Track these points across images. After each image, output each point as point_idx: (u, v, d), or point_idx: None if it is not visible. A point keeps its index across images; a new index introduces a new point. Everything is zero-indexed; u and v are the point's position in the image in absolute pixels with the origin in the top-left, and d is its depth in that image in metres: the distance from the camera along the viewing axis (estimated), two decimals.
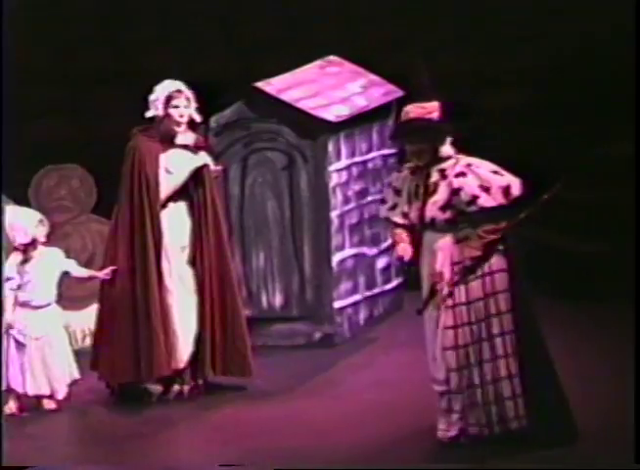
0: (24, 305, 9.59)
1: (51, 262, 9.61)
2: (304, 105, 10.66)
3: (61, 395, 9.54)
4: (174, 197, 9.54)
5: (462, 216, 8.08)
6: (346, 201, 10.94)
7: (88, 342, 10.41)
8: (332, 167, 10.76)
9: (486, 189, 8.07)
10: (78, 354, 10.02)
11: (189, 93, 9.60)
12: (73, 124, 11.28)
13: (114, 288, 9.59)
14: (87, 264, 10.48)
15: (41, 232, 9.55)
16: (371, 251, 11.23)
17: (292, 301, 10.84)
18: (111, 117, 10.21)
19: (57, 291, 9.65)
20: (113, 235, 9.68)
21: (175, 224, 9.48)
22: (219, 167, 9.90)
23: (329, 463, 8.19)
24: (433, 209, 8.10)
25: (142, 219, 9.48)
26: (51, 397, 9.56)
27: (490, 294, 8.19)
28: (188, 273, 9.56)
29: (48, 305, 9.59)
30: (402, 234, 8.22)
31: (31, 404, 9.56)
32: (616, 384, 8.93)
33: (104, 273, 9.55)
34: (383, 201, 8.39)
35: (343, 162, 10.89)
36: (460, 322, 8.16)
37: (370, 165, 11.16)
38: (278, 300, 10.82)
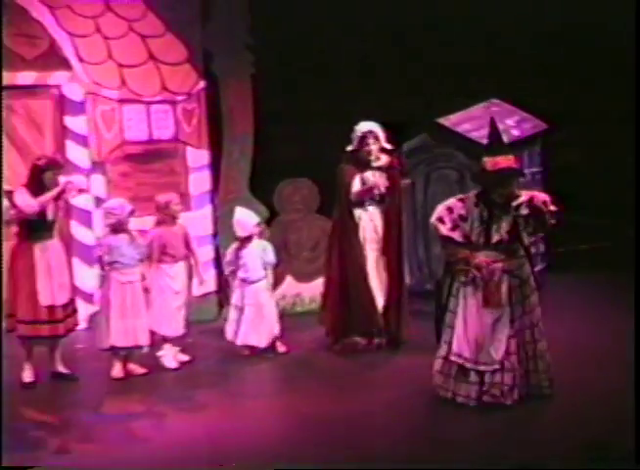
0: (243, 280, 9.90)
1: (259, 252, 9.89)
2: (473, 135, 10.85)
3: (269, 341, 9.83)
4: (369, 202, 9.73)
5: (519, 240, 8.26)
6: None
7: (313, 305, 10.70)
8: None
9: (545, 203, 8.20)
10: (306, 314, 10.70)
11: (377, 131, 9.75)
12: (304, 150, 11.23)
13: (334, 267, 9.85)
14: (313, 249, 11.08)
15: (256, 231, 9.89)
16: None
17: None
18: (329, 145, 10.16)
19: (265, 272, 9.92)
20: (333, 229, 9.94)
21: (370, 221, 9.70)
22: (408, 181, 10.25)
23: None
24: (502, 233, 8.22)
25: (344, 218, 9.76)
26: (266, 348, 9.85)
27: (531, 292, 8.33)
28: (381, 259, 9.74)
29: (259, 280, 9.86)
30: (465, 250, 8.23)
31: (265, 351, 9.89)
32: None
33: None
34: (440, 220, 8.34)
35: None
36: (517, 316, 8.25)
37: (521, 180, 10.53)
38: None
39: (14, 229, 9.36)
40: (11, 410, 8.63)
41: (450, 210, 8.37)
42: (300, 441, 8.02)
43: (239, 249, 9.87)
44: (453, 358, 8.32)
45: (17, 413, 8.67)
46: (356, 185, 9.78)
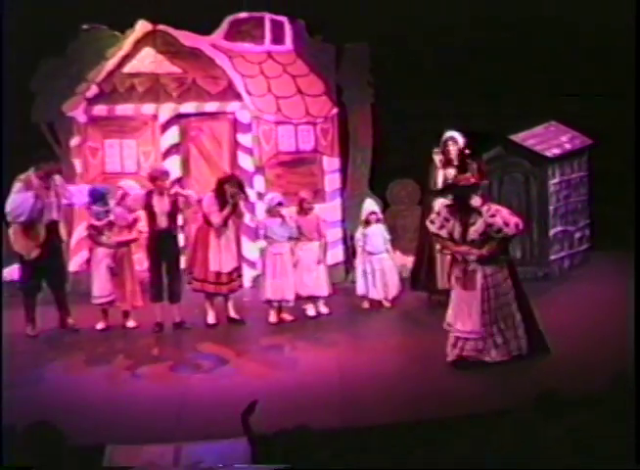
0: (369, 253, 9.96)
1: (380, 232, 10.00)
2: (536, 148, 10.81)
3: (390, 297, 9.94)
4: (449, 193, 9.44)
5: (489, 239, 8.10)
6: (558, 200, 10.90)
7: None
8: (550, 182, 10.80)
9: (507, 224, 8.11)
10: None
11: (457, 137, 9.84)
12: (409, 158, 10.90)
13: (420, 244, 10.03)
14: (415, 231, 10.58)
15: (372, 217, 9.95)
16: (572, 228, 11.12)
17: (526, 254, 10.81)
18: (427, 155, 10.03)
19: (386, 246, 9.99)
20: (422, 215, 10.00)
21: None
22: (486, 181, 10.07)
23: None
24: (474, 234, 8.14)
25: (428, 207, 9.69)
26: (385, 300, 9.92)
27: (504, 279, 8.16)
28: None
29: (380, 252, 9.98)
30: (450, 243, 8.25)
31: (379, 305, 9.99)
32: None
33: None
34: (432, 221, 8.36)
35: (557, 179, 10.91)
36: (493, 296, 8.13)
37: (572, 182, 11.11)
38: (518, 254, 10.63)
39: (198, 215, 9.73)
40: (189, 344, 9.17)
41: (439, 213, 8.42)
42: (406, 371, 8.26)
43: (364, 228, 10.00)
44: (446, 327, 8.32)
45: (192, 347, 9.11)
46: (439, 178, 9.82)
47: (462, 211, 8.23)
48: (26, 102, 10.77)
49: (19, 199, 9.22)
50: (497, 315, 8.20)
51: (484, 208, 8.22)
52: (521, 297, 8.31)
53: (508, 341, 8.23)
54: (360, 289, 10.09)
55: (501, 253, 8.21)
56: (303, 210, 9.86)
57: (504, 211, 8.28)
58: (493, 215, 8.16)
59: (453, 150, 9.91)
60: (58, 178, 9.53)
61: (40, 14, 10.49)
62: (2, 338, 8.61)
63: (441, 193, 8.66)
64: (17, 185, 9.27)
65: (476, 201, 8.24)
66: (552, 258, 10.90)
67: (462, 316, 8.24)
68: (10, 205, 9.24)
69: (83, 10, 10.52)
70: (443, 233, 8.34)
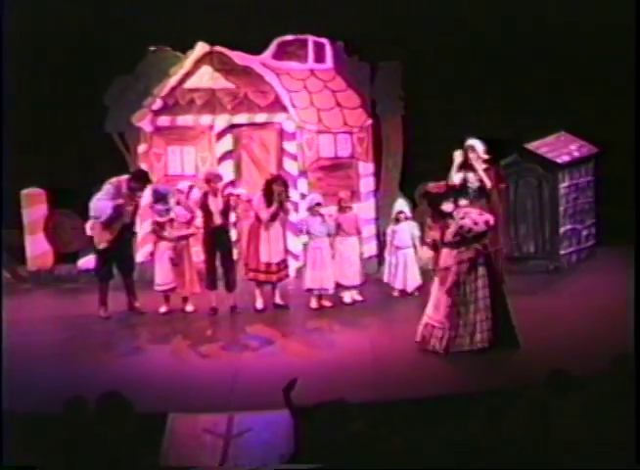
0: (397, 247, 9.92)
1: (408, 229, 9.94)
2: (548, 155, 10.74)
3: (410, 289, 9.87)
4: (474, 195, 9.44)
5: (465, 240, 8.05)
6: (567, 202, 10.82)
7: None
8: (560, 186, 10.74)
9: (476, 223, 8.06)
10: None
11: (476, 145, 9.76)
12: (436, 163, 10.09)
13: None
14: None
15: (401, 215, 9.92)
16: (579, 226, 11.03)
17: (539, 249, 10.81)
18: (451, 157, 9.87)
19: (412, 241, 9.85)
20: None
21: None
22: (504, 185, 10.16)
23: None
24: (448, 236, 8.10)
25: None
26: (404, 290, 9.91)
27: (475, 278, 8.02)
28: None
29: (406, 247, 9.94)
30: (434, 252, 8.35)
31: (407, 294, 9.89)
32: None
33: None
34: (429, 236, 8.47)
35: (567, 183, 10.83)
36: (461, 293, 8.04)
37: (580, 185, 11.02)
38: (532, 249, 10.78)
39: (249, 212, 9.79)
40: (240, 326, 9.21)
41: (426, 223, 8.69)
42: (431, 352, 8.20)
43: (394, 225, 10.01)
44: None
45: (242, 329, 9.15)
46: (456, 178, 9.74)
47: (437, 216, 8.24)
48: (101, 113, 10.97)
49: (101, 204, 9.35)
50: (460, 311, 8.09)
51: (455, 212, 8.18)
52: (494, 295, 8.12)
53: (462, 336, 8.08)
54: (385, 277, 10.13)
55: (485, 249, 8.12)
56: (342, 208, 9.87)
57: (473, 213, 8.23)
58: (462, 218, 8.12)
59: (473, 156, 9.88)
60: (141, 194, 9.64)
61: (113, 36, 10.77)
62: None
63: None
64: (106, 187, 9.43)
65: (447, 207, 8.20)
66: (562, 252, 10.87)
67: (432, 306, 8.22)
68: (93, 203, 9.40)
69: (151, 33, 10.75)
70: (430, 240, 8.43)
